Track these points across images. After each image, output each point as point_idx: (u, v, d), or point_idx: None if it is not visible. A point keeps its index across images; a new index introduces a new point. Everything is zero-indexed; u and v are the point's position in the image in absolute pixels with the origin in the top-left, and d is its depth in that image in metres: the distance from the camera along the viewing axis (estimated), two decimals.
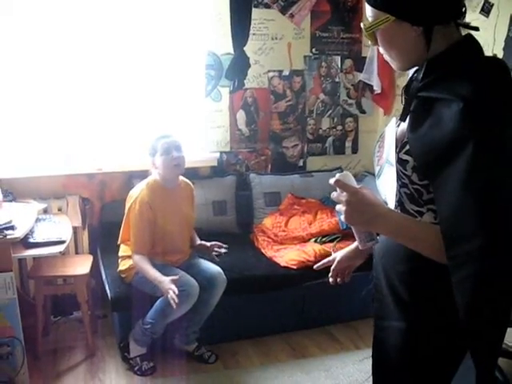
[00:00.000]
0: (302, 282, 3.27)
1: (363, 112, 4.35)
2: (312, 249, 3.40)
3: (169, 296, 2.63)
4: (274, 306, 3.32)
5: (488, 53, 3.18)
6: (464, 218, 1.11)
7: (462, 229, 1.11)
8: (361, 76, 4.21)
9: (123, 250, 3.05)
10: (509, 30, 3.09)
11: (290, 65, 4.09)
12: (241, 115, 4.02)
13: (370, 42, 1.32)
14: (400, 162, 1.28)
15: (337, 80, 4.23)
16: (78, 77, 3.51)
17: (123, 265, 3.01)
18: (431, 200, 1.24)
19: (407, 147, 1.25)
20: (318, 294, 3.28)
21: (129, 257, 2.98)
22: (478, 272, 1.10)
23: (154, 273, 2.78)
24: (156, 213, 2.92)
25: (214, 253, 3.07)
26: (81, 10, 3.43)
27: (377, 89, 4.10)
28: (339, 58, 4.18)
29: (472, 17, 3.34)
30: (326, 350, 3.24)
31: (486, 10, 3.25)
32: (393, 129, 1.34)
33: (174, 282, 2.69)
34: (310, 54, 4.13)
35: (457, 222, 1.12)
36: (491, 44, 3.23)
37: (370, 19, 1.27)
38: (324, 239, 3.54)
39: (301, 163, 4.25)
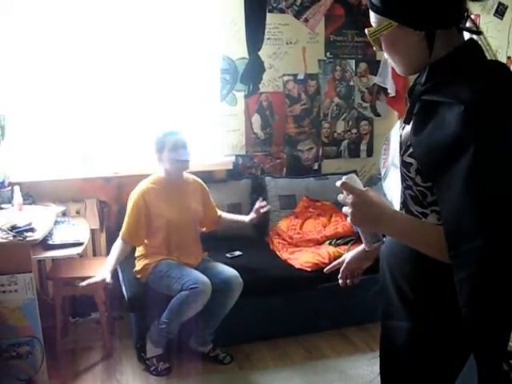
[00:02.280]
0: (316, 284, 3.29)
1: (378, 115, 4.36)
2: (326, 251, 3.42)
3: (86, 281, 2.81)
4: (289, 307, 3.34)
5: (503, 54, 3.21)
6: (465, 219, 1.13)
7: (463, 230, 1.13)
8: (375, 79, 4.23)
9: (138, 250, 3.11)
10: None
11: (304, 69, 4.12)
12: (256, 119, 4.06)
13: (374, 48, 1.35)
14: (404, 164, 1.30)
15: (351, 83, 4.25)
16: (95, 81, 3.58)
17: (138, 265, 3.07)
18: (435, 202, 1.25)
19: (411, 150, 1.27)
20: (333, 296, 3.28)
21: (143, 256, 3.06)
22: (477, 272, 1.12)
23: (109, 258, 2.98)
24: (151, 203, 3.02)
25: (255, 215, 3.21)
26: (100, 11, 3.50)
27: (391, 92, 4.11)
28: (353, 61, 4.20)
29: (486, 19, 3.35)
30: (340, 352, 3.25)
31: (500, 12, 3.25)
32: (397, 132, 1.36)
33: (106, 280, 2.83)
34: (325, 58, 4.15)
35: (458, 222, 1.14)
36: (505, 46, 3.24)
37: (373, 25, 1.30)
38: (338, 242, 3.56)
39: (316, 166, 4.27)
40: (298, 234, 3.68)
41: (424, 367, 1.38)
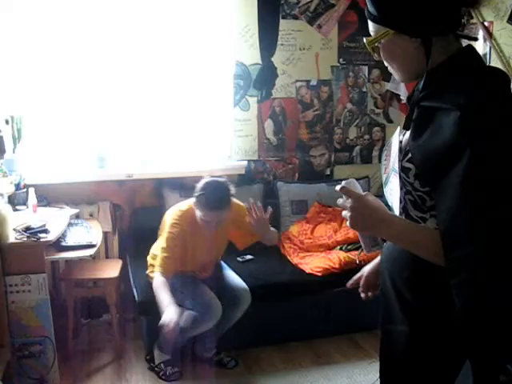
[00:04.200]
0: (326, 288, 3.31)
1: (390, 121, 4.37)
2: (337, 256, 3.42)
3: (163, 325, 2.58)
4: (299, 312, 3.35)
5: None
6: (459, 224, 1.15)
7: (458, 234, 1.15)
8: (388, 86, 4.24)
9: (152, 257, 3.09)
10: None
11: (317, 75, 4.14)
12: (269, 124, 4.09)
13: (374, 55, 1.37)
14: (403, 169, 1.31)
15: (364, 90, 4.27)
16: (111, 86, 3.64)
17: (151, 270, 3.05)
18: (434, 206, 1.27)
19: (409, 155, 1.29)
20: (343, 301, 3.30)
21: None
22: (470, 277, 1.14)
23: (164, 297, 2.69)
24: (187, 237, 2.92)
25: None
26: (116, 17, 3.57)
27: (404, 98, 4.11)
28: (366, 67, 4.22)
29: (499, 26, 3.36)
30: (350, 358, 3.25)
31: None
32: (397, 138, 1.38)
33: (177, 312, 2.62)
34: (338, 64, 4.17)
35: (453, 227, 1.16)
36: None
37: (372, 33, 1.32)
38: (349, 247, 3.57)
39: (328, 172, 4.28)
40: (309, 238, 3.69)
41: (422, 371, 1.39)
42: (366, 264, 1.75)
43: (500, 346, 1.19)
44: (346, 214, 1.30)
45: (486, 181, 1.12)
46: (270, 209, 2.95)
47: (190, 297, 2.91)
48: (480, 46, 3.52)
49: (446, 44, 1.27)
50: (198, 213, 2.83)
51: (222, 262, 3.29)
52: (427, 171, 1.24)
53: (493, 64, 3.40)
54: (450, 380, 1.39)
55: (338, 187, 1.30)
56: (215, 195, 2.80)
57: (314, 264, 3.40)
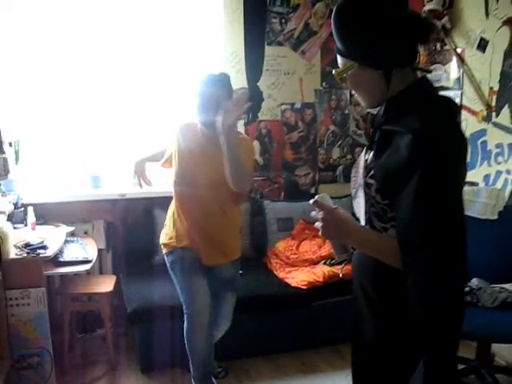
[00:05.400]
0: (311, 301, 3.46)
1: None
2: (321, 270, 3.59)
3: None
4: (285, 324, 3.50)
5: (485, 85, 3.43)
6: (412, 232, 1.34)
7: (411, 241, 1.34)
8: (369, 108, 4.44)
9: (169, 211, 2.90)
10: (503, 65, 3.31)
11: (301, 98, 4.35)
12: (255, 145, 4.26)
13: (342, 85, 1.56)
14: (367, 185, 1.49)
15: (346, 112, 4.48)
16: (103, 110, 3.82)
17: (163, 233, 2.91)
18: (393, 217, 1.45)
19: (372, 172, 1.47)
20: (328, 313, 3.47)
21: (170, 224, 2.86)
22: (421, 277, 1.33)
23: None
24: (184, 137, 2.70)
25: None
26: (108, 33, 3.77)
27: None
28: (348, 91, 4.41)
29: (470, 53, 3.59)
30: (335, 367, 3.40)
31: (482, 46, 3.48)
32: (363, 157, 1.56)
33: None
34: (321, 88, 4.38)
35: (407, 235, 1.35)
36: (487, 77, 3.45)
37: (340, 66, 1.51)
38: (333, 262, 3.71)
39: (312, 190, 4.46)
40: (295, 254, 3.86)
41: (386, 364, 1.56)
42: (348, 277, 1.91)
43: (445, 340, 1.38)
44: (318, 224, 1.48)
45: (435, 195, 1.31)
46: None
47: (184, 289, 2.76)
48: (454, 71, 3.76)
49: (404, 75, 1.45)
50: (197, 114, 2.65)
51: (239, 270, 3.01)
52: (386, 187, 1.42)
53: (465, 87, 3.64)
54: (408, 373, 1.55)
55: (311, 201, 1.48)
56: (212, 74, 2.70)
57: (299, 278, 3.56)
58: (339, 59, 1.51)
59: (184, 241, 2.77)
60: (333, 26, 1.48)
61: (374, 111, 1.55)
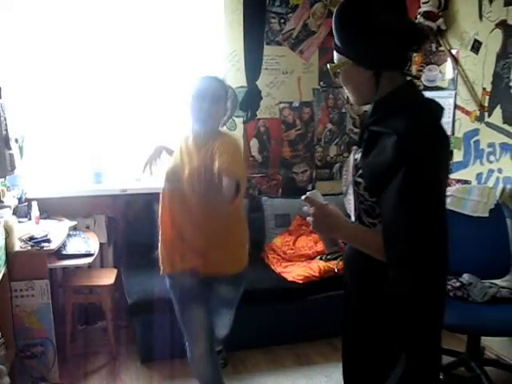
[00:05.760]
0: (307, 295, 3.56)
1: None
2: (317, 265, 3.68)
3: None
4: (282, 317, 3.59)
5: (479, 86, 3.51)
6: (395, 227, 1.42)
7: (394, 237, 1.42)
8: (366, 107, 4.52)
9: None
10: (495, 66, 3.40)
11: (299, 97, 4.44)
12: (254, 143, 4.37)
13: (335, 80, 1.63)
14: (356, 183, 1.58)
15: (343, 111, 4.57)
16: (105, 106, 3.91)
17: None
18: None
19: (360, 171, 1.55)
20: (323, 306, 3.56)
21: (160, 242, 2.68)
22: (402, 272, 1.42)
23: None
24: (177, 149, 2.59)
25: None
26: (111, 35, 3.86)
27: None
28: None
29: (464, 54, 3.67)
30: (329, 359, 3.49)
31: (475, 47, 3.56)
32: (353, 156, 1.65)
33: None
34: (318, 87, 4.47)
35: (391, 230, 1.43)
36: (481, 78, 3.53)
37: (335, 61, 1.59)
38: (328, 257, 3.81)
39: (310, 187, 4.55)
40: (292, 249, 3.96)
41: (374, 350, 1.64)
42: (343, 272, 2.00)
43: (425, 332, 1.49)
44: (309, 219, 1.57)
45: (416, 193, 1.39)
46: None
47: (183, 325, 2.62)
48: (449, 72, 3.85)
49: (393, 78, 1.54)
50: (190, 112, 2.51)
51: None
52: (373, 185, 1.51)
53: (459, 87, 3.73)
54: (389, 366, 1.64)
55: (303, 197, 1.57)
56: (203, 82, 2.50)
57: (295, 272, 3.65)
58: (335, 55, 1.59)
59: (173, 264, 2.57)
60: (333, 24, 1.56)
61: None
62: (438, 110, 1.53)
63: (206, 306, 2.57)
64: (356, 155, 1.63)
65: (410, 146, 1.39)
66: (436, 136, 1.46)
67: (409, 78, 1.59)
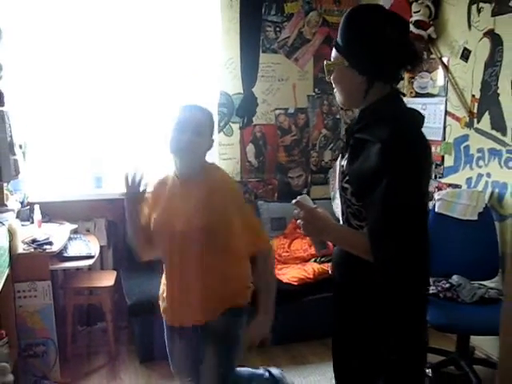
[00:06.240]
0: (301, 296, 3.66)
1: None
2: (311, 267, 3.78)
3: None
4: (277, 318, 3.65)
5: (468, 93, 3.62)
6: (380, 230, 1.52)
7: (380, 238, 1.52)
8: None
9: None
10: (484, 74, 3.50)
11: (294, 103, 4.54)
12: (250, 148, 4.47)
13: (327, 77, 1.70)
14: (342, 189, 1.67)
15: (337, 117, 4.67)
16: (104, 112, 4.01)
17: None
18: None
19: (347, 177, 1.64)
20: (317, 307, 3.65)
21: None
22: (387, 270, 1.53)
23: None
24: (156, 194, 2.29)
25: None
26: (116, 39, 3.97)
27: None
28: None
29: (454, 61, 3.78)
30: (323, 359, 3.58)
31: (465, 55, 3.67)
32: (339, 163, 1.75)
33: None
34: (313, 94, 4.58)
35: (376, 233, 1.53)
36: (470, 86, 3.64)
37: (332, 59, 1.67)
38: (322, 259, 3.90)
39: (305, 192, 4.63)
40: (287, 252, 4.05)
41: (363, 345, 1.74)
42: (332, 274, 2.04)
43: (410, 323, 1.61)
44: (299, 222, 1.67)
45: (399, 199, 1.49)
46: None
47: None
48: (440, 79, 3.95)
49: (381, 89, 1.63)
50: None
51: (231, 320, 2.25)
52: (359, 190, 1.60)
53: (450, 94, 3.83)
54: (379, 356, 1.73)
55: (293, 201, 1.67)
56: (185, 112, 2.20)
57: (290, 274, 3.75)
58: (333, 52, 1.66)
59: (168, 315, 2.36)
60: (342, 23, 1.63)
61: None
62: (419, 118, 1.63)
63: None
64: (342, 162, 1.71)
65: (394, 154, 1.49)
66: (418, 144, 1.55)
67: (393, 88, 1.68)
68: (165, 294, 2.34)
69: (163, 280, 2.38)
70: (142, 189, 2.20)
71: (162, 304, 2.38)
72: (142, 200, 2.24)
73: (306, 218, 1.64)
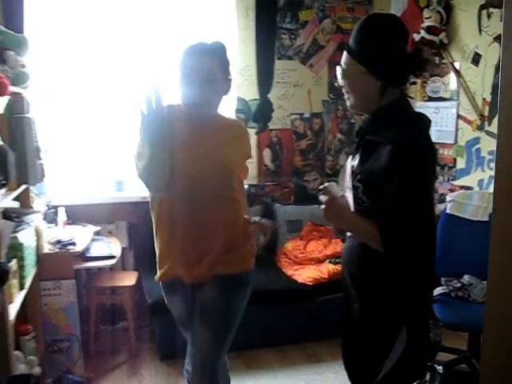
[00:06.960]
0: (316, 296, 3.75)
1: None
2: (326, 268, 3.88)
3: None
4: (293, 317, 3.78)
5: (479, 97, 3.69)
6: (391, 224, 1.63)
7: (391, 231, 1.63)
8: None
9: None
10: (494, 77, 3.57)
11: (310, 108, 4.65)
12: (267, 152, 4.58)
13: (339, 80, 1.79)
14: (354, 187, 1.76)
15: (352, 121, 4.76)
16: (127, 118, 4.15)
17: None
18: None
19: (358, 177, 1.73)
20: (331, 307, 3.72)
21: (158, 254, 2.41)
22: (398, 258, 1.64)
23: None
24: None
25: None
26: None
27: None
28: None
29: (465, 66, 3.86)
30: (337, 357, 3.62)
31: (475, 60, 3.75)
32: (350, 163, 1.84)
33: None
34: (328, 99, 4.68)
35: (385, 226, 1.64)
36: (481, 89, 3.71)
37: (343, 64, 1.75)
38: (337, 260, 3.98)
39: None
40: (302, 253, 4.15)
41: (369, 338, 1.82)
42: (342, 274, 2.12)
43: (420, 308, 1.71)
44: (322, 206, 1.78)
45: (408, 197, 1.60)
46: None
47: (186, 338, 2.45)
48: (452, 83, 4.03)
49: (392, 93, 1.73)
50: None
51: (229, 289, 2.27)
52: (370, 188, 1.70)
53: (461, 98, 3.91)
54: (389, 345, 1.82)
55: (321, 186, 1.79)
56: (191, 60, 2.09)
57: (305, 275, 3.85)
58: (345, 57, 1.74)
59: (163, 266, 2.27)
60: (357, 30, 1.72)
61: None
62: (427, 122, 1.75)
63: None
64: (353, 162, 1.81)
65: (404, 155, 1.60)
66: (426, 146, 1.68)
67: (402, 92, 1.79)
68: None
69: (161, 240, 2.34)
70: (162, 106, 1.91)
71: (163, 264, 2.26)
72: (164, 120, 1.93)
73: (328, 204, 1.75)
